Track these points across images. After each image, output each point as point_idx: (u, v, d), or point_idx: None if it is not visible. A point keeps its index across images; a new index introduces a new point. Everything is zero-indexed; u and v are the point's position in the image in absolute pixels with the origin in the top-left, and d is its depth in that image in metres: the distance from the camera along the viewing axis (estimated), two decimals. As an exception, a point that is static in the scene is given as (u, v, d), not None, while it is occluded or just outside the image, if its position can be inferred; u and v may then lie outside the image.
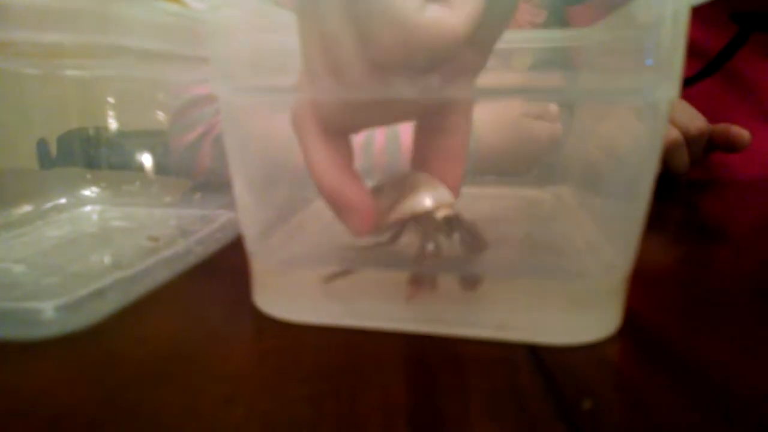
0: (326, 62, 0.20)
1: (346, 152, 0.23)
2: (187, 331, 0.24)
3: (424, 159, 0.26)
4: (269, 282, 0.26)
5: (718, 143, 0.57)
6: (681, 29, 0.19)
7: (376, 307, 0.24)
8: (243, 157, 0.26)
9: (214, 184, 0.49)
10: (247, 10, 0.26)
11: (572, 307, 0.23)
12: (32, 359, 0.21)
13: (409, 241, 0.25)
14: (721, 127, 0.56)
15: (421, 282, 0.23)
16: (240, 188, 0.25)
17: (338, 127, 0.22)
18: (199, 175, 0.52)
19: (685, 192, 0.55)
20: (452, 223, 0.24)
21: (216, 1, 0.23)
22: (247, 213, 0.26)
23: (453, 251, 0.25)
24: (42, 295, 0.24)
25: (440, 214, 0.24)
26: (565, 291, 0.23)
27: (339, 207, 0.22)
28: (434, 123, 0.24)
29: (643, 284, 0.26)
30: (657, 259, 0.33)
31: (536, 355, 0.21)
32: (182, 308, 0.26)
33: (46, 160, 0.44)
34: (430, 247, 0.23)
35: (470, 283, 0.23)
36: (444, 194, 0.25)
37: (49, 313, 0.23)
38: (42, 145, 0.44)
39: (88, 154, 0.44)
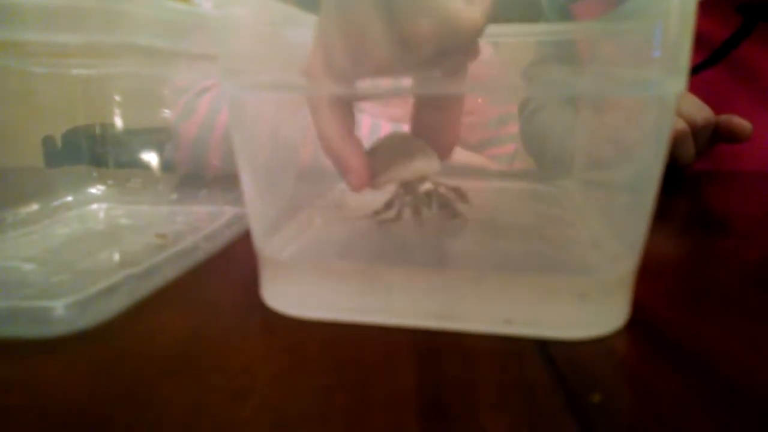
0: (347, 47, 0.23)
1: (348, 119, 0.26)
2: (197, 327, 0.24)
3: (420, 130, 0.29)
4: (277, 277, 0.26)
5: (722, 134, 0.56)
6: (688, 21, 0.19)
7: (384, 302, 0.24)
8: (250, 153, 0.26)
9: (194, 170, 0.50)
10: (255, 6, 0.26)
11: (579, 301, 0.23)
12: (43, 357, 0.22)
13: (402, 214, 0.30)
14: (724, 117, 0.56)
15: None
16: (247, 184, 0.25)
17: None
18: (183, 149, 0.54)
19: (690, 183, 0.55)
20: (431, 195, 0.29)
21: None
22: (254, 208, 0.26)
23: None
24: (52, 293, 0.24)
25: (423, 187, 0.29)
26: (572, 285, 0.23)
27: (339, 167, 0.26)
28: (430, 101, 0.27)
29: (650, 277, 0.26)
30: (664, 252, 0.33)
31: (544, 349, 0.21)
32: (191, 304, 0.27)
33: (52, 156, 0.44)
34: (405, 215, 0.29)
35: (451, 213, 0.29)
36: (431, 164, 0.28)
37: (60, 311, 0.23)
38: (48, 141, 0.44)
39: (94, 152, 0.45)
